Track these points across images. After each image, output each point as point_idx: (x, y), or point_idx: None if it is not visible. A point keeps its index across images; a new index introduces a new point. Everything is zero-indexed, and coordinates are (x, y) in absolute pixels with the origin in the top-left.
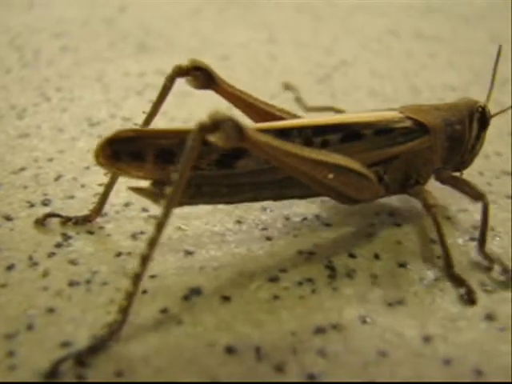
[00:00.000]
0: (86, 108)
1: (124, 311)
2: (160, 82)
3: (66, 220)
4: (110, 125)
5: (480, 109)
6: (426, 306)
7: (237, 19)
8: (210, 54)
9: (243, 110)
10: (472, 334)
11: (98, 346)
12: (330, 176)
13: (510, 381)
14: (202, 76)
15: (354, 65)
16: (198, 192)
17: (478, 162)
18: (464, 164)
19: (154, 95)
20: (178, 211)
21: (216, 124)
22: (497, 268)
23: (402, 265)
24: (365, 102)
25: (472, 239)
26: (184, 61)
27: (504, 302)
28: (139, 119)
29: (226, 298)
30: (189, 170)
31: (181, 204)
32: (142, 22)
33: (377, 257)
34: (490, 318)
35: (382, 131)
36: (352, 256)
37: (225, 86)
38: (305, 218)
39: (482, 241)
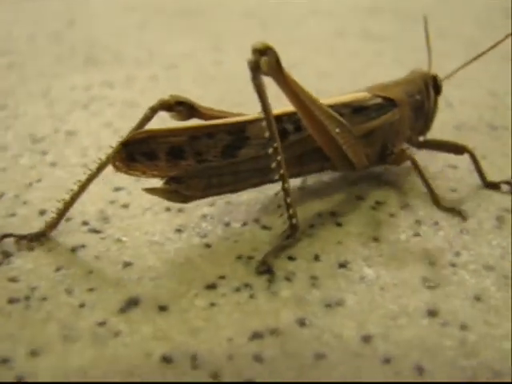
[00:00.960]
0: (29, 124)
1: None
2: (107, 93)
3: (19, 238)
4: (53, 140)
5: (433, 78)
6: (365, 306)
7: (184, 30)
8: (156, 64)
9: None
10: (413, 331)
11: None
12: (337, 130)
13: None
14: (185, 110)
15: (301, 67)
16: (209, 184)
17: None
18: (427, 128)
19: (100, 108)
20: (118, 223)
21: (264, 50)
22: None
23: (343, 265)
24: None
25: (416, 235)
26: (132, 71)
27: (446, 297)
28: (84, 133)
29: (164, 308)
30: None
31: (192, 198)
32: (89, 35)
33: (317, 258)
34: (432, 313)
35: (357, 109)
36: (291, 258)
37: (205, 111)
38: (245, 223)
39: (483, 178)
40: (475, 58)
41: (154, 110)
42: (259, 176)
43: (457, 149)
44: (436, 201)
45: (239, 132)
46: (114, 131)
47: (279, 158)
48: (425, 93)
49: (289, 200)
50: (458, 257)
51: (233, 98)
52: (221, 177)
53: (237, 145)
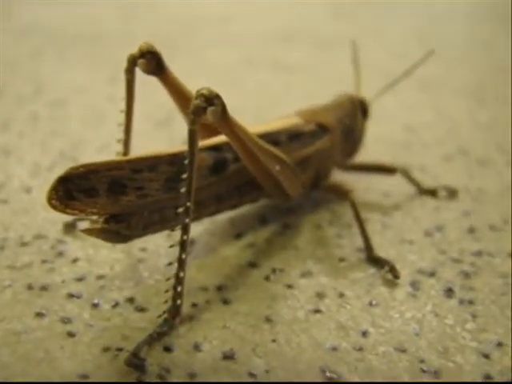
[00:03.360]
0: None
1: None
2: None
3: None
4: None
5: (360, 102)
6: None
7: (80, 58)
8: (43, 101)
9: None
10: None
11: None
12: (277, 168)
13: None
14: (153, 61)
15: None
16: (150, 220)
17: None
18: (355, 151)
19: None
20: None
21: (211, 98)
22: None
23: (228, 356)
24: None
25: (316, 311)
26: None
27: None
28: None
29: None
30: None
31: (132, 237)
32: None
33: (197, 348)
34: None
35: (293, 136)
36: (168, 350)
37: (170, 75)
38: (116, 304)
39: (419, 187)
40: (394, 84)
41: (129, 70)
42: (199, 209)
43: (388, 169)
44: (368, 249)
45: (181, 163)
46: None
47: (189, 203)
48: (354, 117)
49: (182, 274)
50: (366, 337)
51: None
52: (162, 212)
53: (179, 177)
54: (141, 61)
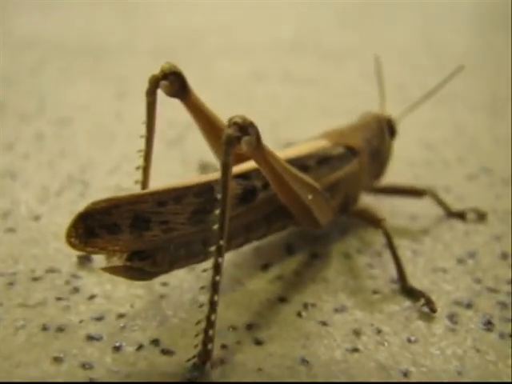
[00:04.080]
0: None
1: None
2: None
3: None
4: None
5: (387, 121)
6: None
7: (84, 73)
8: (47, 119)
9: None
10: None
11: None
12: (310, 197)
13: None
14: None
15: None
16: (176, 256)
17: None
18: (382, 173)
19: None
20: None
21: (245, 126)
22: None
23: None
24: None
25: (354, 350)
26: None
27: None
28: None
29: None
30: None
31: (157, 274)
32: None
33: None
34: None
35: (322, 160)
36: None
37: (194, 100)
38: (140, 347)
39: (447, 209)
40: (422, 101)
41: (151, 92)
42: (227, 241)
43: (417, 192)
44: (402, 279)
45: (207, 193)
46: None
47: (222, 242)
48: (381, 137)
49: (213, 317)
50: (407, 377)
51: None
52: (189, 246)
53: (206, 208)
54: (163, 82)
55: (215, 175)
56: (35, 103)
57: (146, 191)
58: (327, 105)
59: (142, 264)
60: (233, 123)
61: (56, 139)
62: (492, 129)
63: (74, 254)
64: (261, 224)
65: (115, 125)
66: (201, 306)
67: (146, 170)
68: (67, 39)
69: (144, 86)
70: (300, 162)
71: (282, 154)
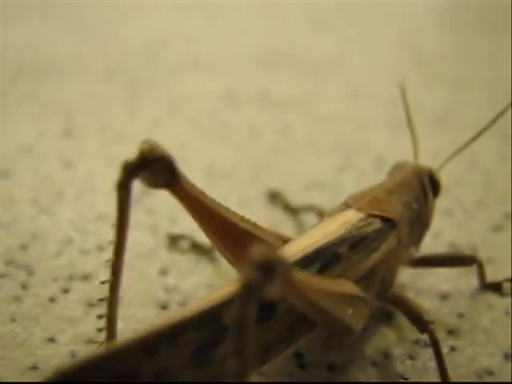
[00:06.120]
0: None
1: None
2: None
3: None
4: None
5: (430, 175)
6: None
7: (24, 103)
8: None
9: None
10: None
11: None
12: (350, 311)
13: None
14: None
15: (183, 156)
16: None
17: None
18: (421, 239)
19: None
20: None
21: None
22: None
23: None
24: None
25: None
26: None
27: None
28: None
29: None
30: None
31: None
32: None
33: None
34: None
35: (356, 243)
36: None
37: (187, 186)
38: None
39: (483, 281)
40: (467, 145)
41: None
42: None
43: (464, 260)
44: None
45: (213, 322)
46: None
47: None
48: (423, 198)
49: None
50: None
51: (93, 228)
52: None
53: (212, 342)
54: (143, 173)
55: (221, 295)
56: None
57: (126, 339)
58: (314, 134)
59: None
60: (254, 265)
61: None
62: (506, 160)
63: None
64: (281, 340)
65: (61, 175)
66: None
67: (111, 302)
68: (5, 54)
69: (96, 117)
70: (330, 251)
71: (306, 240)
